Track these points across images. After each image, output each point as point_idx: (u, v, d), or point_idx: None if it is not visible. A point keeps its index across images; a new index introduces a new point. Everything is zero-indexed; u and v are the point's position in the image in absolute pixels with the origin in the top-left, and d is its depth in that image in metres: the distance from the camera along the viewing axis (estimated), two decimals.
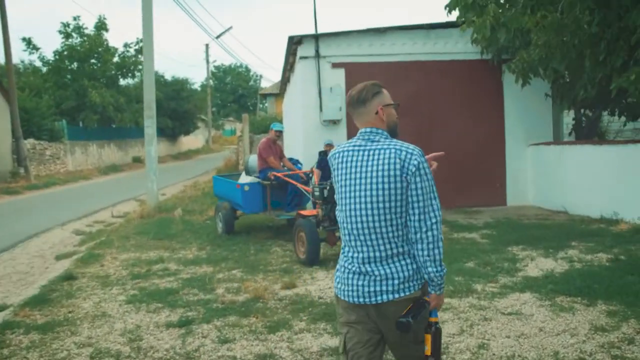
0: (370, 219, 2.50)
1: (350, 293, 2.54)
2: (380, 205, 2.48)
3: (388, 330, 2.52)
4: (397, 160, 2.48)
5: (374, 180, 2.50)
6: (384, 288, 2.49)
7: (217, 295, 6.06)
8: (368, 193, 2.51)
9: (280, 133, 9.15)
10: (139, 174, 28.25)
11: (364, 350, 2.55)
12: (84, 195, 18.46)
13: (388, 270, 2.49)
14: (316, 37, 11.43)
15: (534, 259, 6.79)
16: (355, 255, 2.56)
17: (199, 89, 55.37)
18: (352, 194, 2.55)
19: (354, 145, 2.62)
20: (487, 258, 6.78)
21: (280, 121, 23.53)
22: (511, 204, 11.74)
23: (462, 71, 11.67)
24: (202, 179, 23.26)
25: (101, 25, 28.34)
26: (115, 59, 29.12)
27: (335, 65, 11.47)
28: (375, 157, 2.53)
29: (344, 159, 2.61)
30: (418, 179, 2.48)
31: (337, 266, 2.67)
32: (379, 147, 2.55)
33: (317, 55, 11.37)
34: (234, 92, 72.87)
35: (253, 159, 9.48)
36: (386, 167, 2.49)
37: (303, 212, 7.51)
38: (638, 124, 13.87)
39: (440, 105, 11.74)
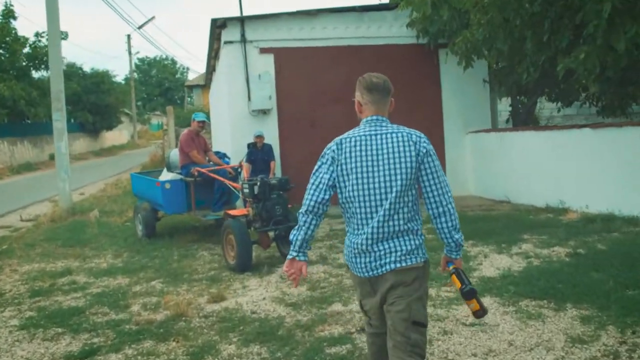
0: (389, 198, 2.69)
1: (359, 268, 2.77)
2: (399, 185, 2.69)
3: (385, 292, 2.74)
4: (411, 143, 2.73)
5: (392, 162, 2.72)
6: (387, 260, 2.71)
7: (131, 313, 5.15)
8: (387, 174, 2.71)
9: (203, 124, 8.24)
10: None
11: (379, 310, 2.82)
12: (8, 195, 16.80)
13: (392, 245, 2.71)
14: (242, 20, 10.55)
15: (487, 255, 6.26)
16: (365, 234, 2.73)
17: (122, 82, 52.85)
18: (372, 176, 2.73)
19: (365, 132, 2.80)
20: (435, 257, 6.15)
21: (207, 113, 22.52)
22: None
23: (398, 56, 11.11)
24: (124, 177, 21.78)
25: (8, 13, 26.08)
26: (26, 50, 26.89)
27: (263, 51, 10.64)
28: (390, 140, 2.75)
29: (358, 145, 2.77)
30: (430, 159, 2.73)
31: (346, 244, 2.88)
32: (389, 131, 2.79)
33: (244, 40, 10.49)
34: (160, 85, 70.39)
35: (174, 154, 8.53)
36: (402, 149, 2.73)
37: (232, 212, 6.67)
38: (568, 111, 13.84)
39: None
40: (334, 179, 2.81)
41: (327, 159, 2.84)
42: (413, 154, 2.70)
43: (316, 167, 2.90)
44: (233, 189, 7.22)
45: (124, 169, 25.01)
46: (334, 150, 2.83)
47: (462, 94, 11.36)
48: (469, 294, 2.73)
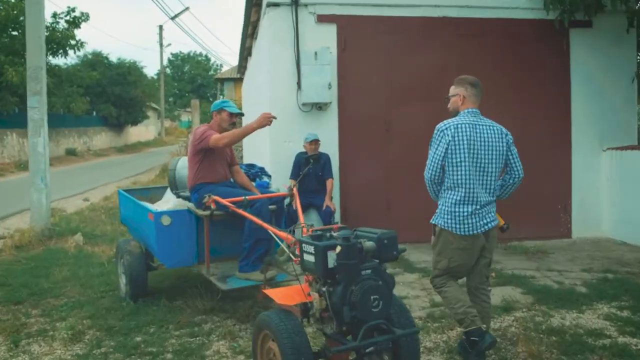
0: (492, 177, 3.66)
1: (466, 228, 3.60)
2: (499, 167, 3.68)
3: (488, 243, 3.72)
4: (502, 136, 3.69)
5: (495, 149, 3.63)
6: (489, 219, 3.67)
7: None
8: (493, 159, 3.63)
9: (231, 117, 5.02)
10: (71, 170, 23.64)
11: (467, 266, 3.72)
12: None
13: (490, 209, 3.69)
14: None
15: None
16: (471, 205, 3.59)
17: (155, 76, 50.23)
18: (481, 160, 3.60)
19: (470, 121, 3.63)
20: None
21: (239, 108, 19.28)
22: (579, 235, 7.89)
23: (510, 36, 7.76)
24: (144, 178, 18.91)
25: None
26: None
27: (322, 19, 7.40)
28: (490, 131, 3.65)
29: (469, 130, 3.59)
30: (513, 147, 3.75)
31: (448, 211, 3.63)
32: (486, 123, 3.69)
33: (295, 3, 7.27)
34: (193, 81, 68.15)
35: (182, 166, 5.33)
36: (499, 138, 3.66)
37: (275, 294, 3.36)
38: None
39: None
40: (445, 157, 3.59)
41: (444, 140, 3.58)
42: (505, 143, 3.68)
43: (435, 143, 3.64)
44: (278, 240, 3.88)
45: (146, 169, 22.19)
46: (449, 133, 3.56)
47: (600, 95, 7.96)
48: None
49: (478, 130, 3.56)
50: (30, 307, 5.31)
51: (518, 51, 7.81)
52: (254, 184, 5.26)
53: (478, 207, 3.56)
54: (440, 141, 3.57)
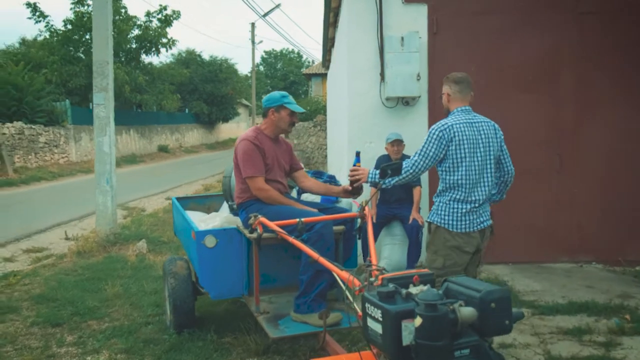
0: (490, 175, 3.54)
1: (465, 225, 3.47)
2: (494, 163, 3.56)
3: (482, 243, 3.61)
4: (496, 131, 3.58)
5: (491, 146, 3.52)
6: (485, 218, 3.56)
7: None
8: (490, 156, 3.51)
9: (292, 117, 4.07)
10: (162, 166, 23.89)
11: (462, 266, 3.52)
12: (67, 197, 14.00)
13: (486, 208, 3.58)
14: None
15: None
16: (469, 204, 3.47)
17: (248, 74, 50.66)
18: (479, 158, 3.47)
19: (465, 120, 3.50)
20: None
21: (321, 107, 18.16)
22: None
23: None
24: None
25: None
26: (136, 32, 24.56)
27: (410, 0, 6.32)
28: (486, 128, 3.53)
29: (465, 132, 3.44)
30: (504, 143, 3.66)
31: (445, 208, 3.49)
32: (480, 120, 3.56)
33: None
34: (285, 78, 68.51)
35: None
36: (494, 135, 3.55)
37: None
38: None
39: (598, 80, 6.38)
40: (440, 158, 3.47)
41: (443, 142, 3.42)
42: (498, 139, 3.57)
43: (428, 144, 3.47)
44: (340, 282, 2.85)
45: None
46: (448, 135, 3.41)
47: None
48: None
49: (475, 128, 3.49)
50: (67, 332, 4.67)
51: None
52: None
53: (476, 205, 3.50)
54: (435, 143, 3.44)
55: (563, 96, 6.33)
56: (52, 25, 22.95)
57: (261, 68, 66.64)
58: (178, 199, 5.43)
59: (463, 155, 3.42)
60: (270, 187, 3.88)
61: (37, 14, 22.55)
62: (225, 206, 4.79)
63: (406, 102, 6.28)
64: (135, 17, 24.32)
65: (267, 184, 3.89)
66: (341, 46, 7.58)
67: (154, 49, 25.14)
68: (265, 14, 38.37)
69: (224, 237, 3.90)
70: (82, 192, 13.87)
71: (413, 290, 2.07)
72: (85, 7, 22.55)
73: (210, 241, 3.85)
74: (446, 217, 3.49)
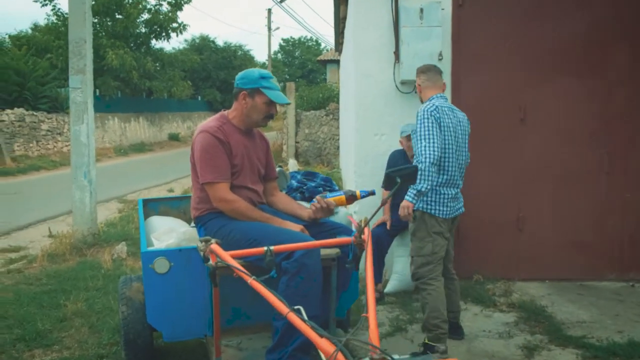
0: (464, 161, 3.70)
1: (447, 211, 3.56)
2: (468, 149, 3.75)
3: (453, 228, 3.77)
4: (467, 121, 3.73)
5: (466, 133, 3.70)
6: (460, 205, 3.72)
7: None
8: (466, 143, 3.69)
9: (269, 107, 3.07)
10: (172, 155, 23.06)
11: (444, 247, 3.61)
12: (63, 188, 13.16)
13: (460, 195, 3.71)
14: None
15: None
16: (454, 189, 3.58)
17: (265, 61, 49.67)
18: (459, 144, 3.59)
19: (447, 105, 3.63)
20: None
21: (334, 94, 16.85)
22: None
23: None
24: None
25: None
26: (145, 16, 23.68)
27: None
28: (460, 116, 3.67)
29: (448, 115, 3.54)
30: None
31: (433, 196, 3.52)
32: (455, 107, 3.72)
33: None
34: (303, 67, 67.37)
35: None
36: (467, 124, 3.71)
37: None
38: None
39: None
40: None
41: (436, 121, 3.43)
42: (468, 129, 3.72)
43: (428, 124, 3.42)
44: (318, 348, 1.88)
45: None
46: (438, 116, 3.44)
47: None
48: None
49: (454, 114, 3.60)
50: None
51: None
52: (306, 204, 3.30)
53: (456, 190, 3.62)
54: (431, 121, 3.43)
55: (613, 80, 5.25)
56: (59, 9, 22.18)
57: (279, 56, 65.67)
58: (146, 201, 4.48)
59: (448, 138, 3.49)
60: (238, 196, 2.91)
61: None
62: (177, 225, 3.84)
63: None
64: (145, 0, 23.44)
65: (233, 193, 2.92)
66: (351, 22, 6.57)
67: (164, 33, 24.28)
68: (282, 0, 37.45)
69: (180, 260, 2.95)
70: None
71: None
72: None
73: (161, 265, 2.91)
74: (432, 203, 3.54)
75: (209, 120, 3.08)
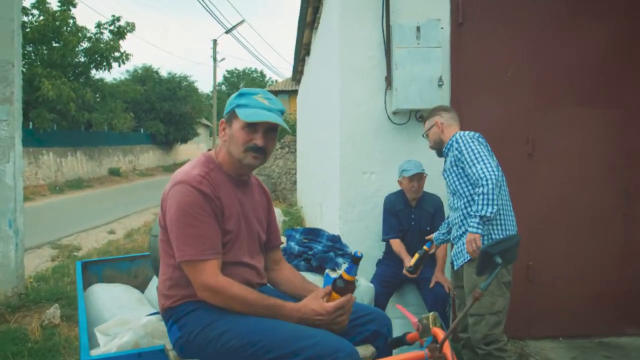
0: None
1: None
2: None
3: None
4: None
5: None
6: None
7: None
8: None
9: (250, 133, 2.15)
10: (112, 191, 21.62)
11: None
12: None
13: None
14: None
15: None
16: (514, 226, 3.21)
17: (209, 93, 48.61)
18: None
19: None
20: None
21: (289, 126, 15.98)
22: None
23: None
24: None
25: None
26: (85, 44, 22.39)
27: None
28: None
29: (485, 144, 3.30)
30: None
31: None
32: None
33: None
34: None
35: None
36: None
37: None
38: None
39: None
40: None
41: (483, 145, 3.15)
42: None
43: (477, 145, 3.09)
44: None
45: None
46: (483, 140, 3.18)
47: None
48: None
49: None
50: None
51: None
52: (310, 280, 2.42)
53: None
54: (480, 144, 3.11)
55: (632, 108, 4.68)
56: None
57: (223, 87, 65.09)
58: (85, 264, 3.48)
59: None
60: (231, 280, 2.01)
61: None
62: (153, 286, 2.90)
63: (421, 116, 4.52)
64: (84, 28, 22.18)
65: (224, 273, 2.01)
66: (328, 43, 5.81)
67: (105, 63, 23.01)
68: (230, 30, 36.72)
69: None
70: None
71: None
72: (30, 17, 20.36)
73: None
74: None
75: (190, 165, 2.16)
